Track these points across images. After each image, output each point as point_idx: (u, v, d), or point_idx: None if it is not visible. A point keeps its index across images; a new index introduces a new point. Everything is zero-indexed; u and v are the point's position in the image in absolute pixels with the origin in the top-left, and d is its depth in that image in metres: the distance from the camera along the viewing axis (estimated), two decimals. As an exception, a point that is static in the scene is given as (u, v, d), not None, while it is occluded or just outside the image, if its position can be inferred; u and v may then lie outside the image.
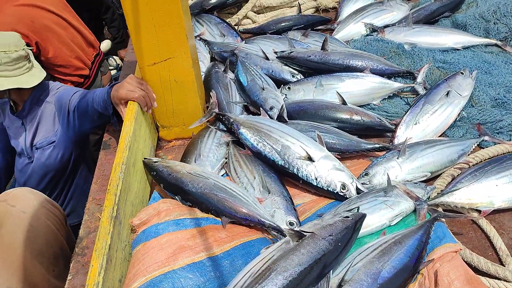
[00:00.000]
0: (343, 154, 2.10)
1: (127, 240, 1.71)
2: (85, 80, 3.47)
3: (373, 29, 2.93)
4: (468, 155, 2.07)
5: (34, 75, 2.46)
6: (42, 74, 2.51)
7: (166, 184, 1.93)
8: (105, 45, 5.25)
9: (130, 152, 1.85)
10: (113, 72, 4.97)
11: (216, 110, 2.28)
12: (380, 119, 2.24)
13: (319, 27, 3.16)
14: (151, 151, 2.25)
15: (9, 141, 2.70)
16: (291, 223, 1.78)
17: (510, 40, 2.68)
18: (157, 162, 1.99)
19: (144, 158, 2.04)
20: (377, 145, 2.11)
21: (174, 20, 1.98)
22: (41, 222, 2.01)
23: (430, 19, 2.99)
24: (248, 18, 3.32)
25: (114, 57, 5.33)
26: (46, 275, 1.99)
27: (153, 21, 1.98)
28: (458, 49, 2.70)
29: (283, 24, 3.10)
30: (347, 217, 1.64)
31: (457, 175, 1.98)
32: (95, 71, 3.58)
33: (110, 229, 1.53)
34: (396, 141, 2.16)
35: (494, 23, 2.74)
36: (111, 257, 1.50)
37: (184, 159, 2.13)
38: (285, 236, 1.71)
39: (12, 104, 2.53)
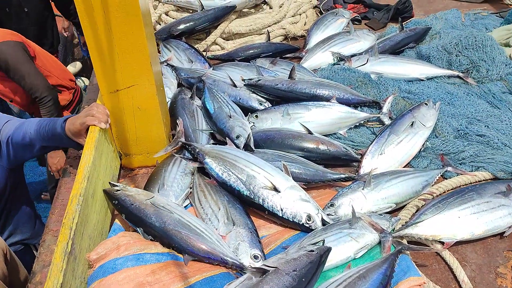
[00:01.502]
0: (309, 184, 2.08)
1: (82, 277, 1.62)
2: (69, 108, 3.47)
3: (341, 58, 2.97)
4: (432, 185, 2.09)
5: None
6: None
7: (128, 215, 1.86)
8: (75, 67, 5.17)
9: (88, 183, 1.77)
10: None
11: (182, 139, 2.24)
12: (346, 149, 2.24)
13: (288, 55, 3.18)
14: (113, 180, 2.17)
15: None
16: (255, 256, 1.74)
17: (472, 72, 2.75)
18: (119, 190, 1.92)
19: (106, 188, 1.97)
20: (342, 175, 2.10)
21: (138, 47, 1.95)
22: None
23: (396, 50, 3.06)
24: (216, 44, 3.32)
25: (83, 78, 5.26)
26: None
27: (116, 48, 1.94)
28: (422, 80, 2.76)
29: (251, 51, 3.11)
30: (312, 250, 1.61)
31: (421, 206, 1.99)
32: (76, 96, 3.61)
33: (63, 266, 1.45)
34: (361, 171, 2.17)
35: (456, 55, 2.82)
36: (63, 297, 1.41)
37: (147, 188, 2.07)
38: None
39: None
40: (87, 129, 1.99)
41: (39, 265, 1.89)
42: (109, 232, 1.93)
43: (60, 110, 3.42)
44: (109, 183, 2.01)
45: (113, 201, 1.91)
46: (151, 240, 1.77)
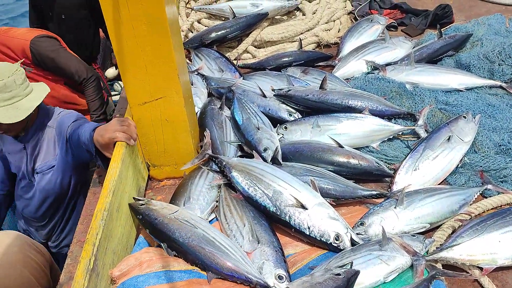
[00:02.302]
0: (338, 201, 2.01)
1: (105, 293, 1.61)
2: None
3: (375, 67, 2.87)
4: (470, 205, 1.97)
5: (41, 90, 2.47)
6: (45, 88, 2.50)
7: (152, 230, 1.85)
8: (111, 72, 5.27)
9: (114, 197, 1.77)
10: (116, 97, 4.96)
11: (209, 151, 2.21)
12: (378, 164, 2.16)
13: (320, 63, 3.11)
14: (140, 192, 2.17)
15: (9, 168, 2.69)
16: (280, 277, 1.68)
17: (516, 83, 2.60)
18: (143, 204, 1.91)
19: (131, 202, 1.96)
20: (374, 192, 2.01)
21: (165, 59, 1.93)
22: (15, 270, 1.91)
23: (433, 58, 2.93)
24: (248, 52, 3.28)
25: (120, 82, 5.35)
26: None
27: (143, 60, 1.93)
28: (461, 90, 2.63)
29: (283, 59, 3.06)
30: (339, 274, 1.54)
31: (458, 227, 1.88)
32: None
33: (85, 284, 1.44)
34: (394, 188, 2.07)
35: (499, 64, 2.67)
36: (84, 315, 1.40)
37: (173, 201, 2.05)
38: (272, 293, 1.62)
39: None
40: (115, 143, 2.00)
41: (66, 277, 1.90)
42: (134, 246, 1.92)
43: (101, 90, 3.55)
44: (133, 198, 2.00)
45: (138, 216, 1.90)
46: (175, 255, 1.75)
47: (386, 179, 2.17)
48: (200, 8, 3.50)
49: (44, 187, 2.57)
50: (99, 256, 1.57)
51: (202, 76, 2.88)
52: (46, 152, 2.54)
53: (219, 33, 3.19)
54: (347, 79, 2.86)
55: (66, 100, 3.53)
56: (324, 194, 1.97)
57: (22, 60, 2.80)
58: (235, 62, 3.09)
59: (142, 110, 2.09)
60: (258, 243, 1.80)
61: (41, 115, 2.54)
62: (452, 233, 1.87)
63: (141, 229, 2.01)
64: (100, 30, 4.48)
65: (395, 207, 1.90)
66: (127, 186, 1.97)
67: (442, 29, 3.13)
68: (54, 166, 2.54)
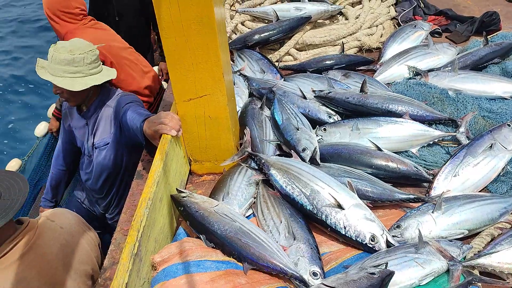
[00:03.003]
0: (375, 203, 2.02)
1: (146, 278, 1.69)
2: (149, 108, 3.67)
3: (417, 73, 2.86)
4: (511, 214, 1.94)
5: (107, 75, 2.69)
6: (112, 74, 2.72)
7: (192, 221, 1.92)
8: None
9: (158, 188, 1.85)
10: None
11: (249, 149, 2.27)
12: (417, 168, 2.15)
13: (361, 68, 3.12)
14: (181, 185, 2.25)
15: (75, 143, 2.95)
16: (314, 273, 1.71)
17: None
18: (185, 197, 1.99)
19: (173, 193, 2.04)
20: (411, 196, 2.02)
21: (211, 59, 2.01)
22: (76, 239, 2.09)
23: (478, 65, 2.87)
24: (289, 55, 3.33)
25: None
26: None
27: (191, 59, 2.01)
28: (506, 99, 2.57)
29: (324, 62, 3.08)
30: (373, 273, 1.56)
31: (497, 235, 1.86)
32: (158, 102, 3.81)
33: (129, 267, 1.52)
34: (432, 193, 2.06)
35: (547, 73, 2.60)
36: (127, 296, 1.48)
37: (212, 195, 2.12)
38: (307, 287, 1.65)
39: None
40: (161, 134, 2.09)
41: (109, 262, 2.01)
42: (173, 236, 2.00)
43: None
44: (176, 189, 2.08)
45: (179, 207, 1.97)
46: (212, 247, 1.81)
47: (424, 184, 2.16)
48: (244, 11, 3.58)
49: (100, 162, 2.79)
50: (143, 242, 1.66)
51: (244, 76, 2.95)
52: (103, 129, 2.75)
53: (262, 35, 3.26)
54: (389, 83, 2.85)
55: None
56: (361, 195, 1.99)
57: (104, 44, 2.96)
58: (276, 64, 3.14)
59: (186, 107, 2.17)
60: (294, 239, 1.84)
61: (102, 94, 2.75)
62: (491, 241, 1.85)
63: (180, 221, 2.08)
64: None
65: (432, 212, 1.89)
66: (170, 178, 2.06)
67: (488, 36, 3.07)
68: (109, 143, 2.75)
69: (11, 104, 7.15)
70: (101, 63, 2.72)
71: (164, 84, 4.48)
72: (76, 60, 2.53)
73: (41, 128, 5.10)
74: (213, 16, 1.89)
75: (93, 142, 2.79)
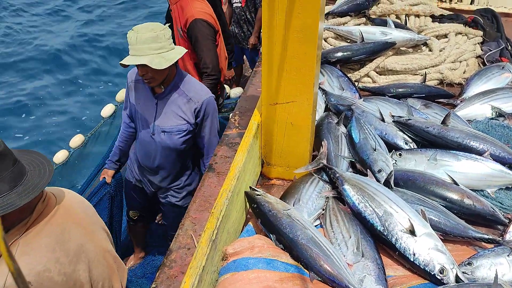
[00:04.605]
0: (446, 236, 1.99)
1: (216, 266, 1.75)
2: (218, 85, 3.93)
3: (500, 114, 2.80)
4: None
5: (179, 52, 2.80)
6: (183, 50, 2.83)
7: (264, 220, 1.96)
8: (237, 91, 5.41)
9: (237, 181, 1.92)
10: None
11: (324, 161, 2.30)
12: (493, 209, 2.11)
13: (440, 100, 3.09)
14: (253, 184, 2.31)
15: (134, 115, 3.06)
16: (379, 294, 1.72)
17: None
18: (259, 195, 2.04)
19: (247, 190, 2.10)
20: (485, 236, 1.97)
21: (306, 68, 2.06)
22: (84, 201, 2.19)
23: None
24: (369, 76, 3.34)
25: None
26: (110, 246, 2.16)
27: (286, 65, 2.07)
28: None
29: (403, 89, 3.08)
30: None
31: None
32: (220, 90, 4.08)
33: (207, 251, 1.58)
34: (507, 237, 2.01)
35: None
36: (202, 278, 1.54)
37: (283, 199, 2.16)
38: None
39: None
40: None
41: (176, 245, 2.08)
42: (241, 232, 2.06)
43: (216, 90, 3.86)
44: (250, 187, 2.14)
45: (252, 205, 2.03)
46: (281, 249, 1.85)
47: (498, 226, 2.11)
48: (329, 28, 3.63)
49: (169, 146, 2.92)
50: (219, 231, 1.72)
51: (323, 91, 2.99)
52: (175, 115, 2.86)
53: (345, 53, 3.30)
54: (469, 120, 2.81)
55: None
56: (433, 226, 1.96)
57: (169, 24, 3.13)
58: (356, 83, 3.16)
59: (271, 110, 2.24)
60: (362, 256, 1.84)
61: (177, 77, 2.86)
62: None
63: (249, 218, 2.14)
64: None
65: (508, 255, 1.85)
66: (247, 176, 2.12)
67: None
68: (183, 131, 2.88)
69: (84, 86, 7.58)
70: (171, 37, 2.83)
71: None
72: (159, 36, 2.66)
73: (107, 110, 5.38)
74: (317, 28, 1.95)
75: (160, 125, 2.88)
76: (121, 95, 5.24)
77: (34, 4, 10.36)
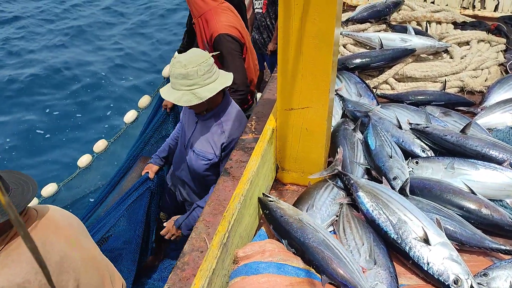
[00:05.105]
0: (462, 246, 1.96)
1: (227, 269, 1.76)
2: (245, 105, 3.87)
3: (522, 123, 2.74)
4: None
5: (221, 83, 2.78)
6: (226, 81, 2.81)
7: (276, 226, 1.97)
8: None
9: (250, 186, 1.93)
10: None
11: (339, 168, 2.29)
12: (511, 220, 2.06)
13: (460, 108, 3.04)
14: (267, 189, 2.32)
15: (180, 130, 3.15)
16: (391, 302, 1.69)
17: None
18: (272, 201, 2.04)
19: (260, 196, 2.11)
20: (503, 247, 1.93)
21: (322, 73, 2.06)
22: (67, 213, 2.27)
23: None
24: (387, 83, 3.31)
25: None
26: (101, 254, 2.26)
27: (302, 70, 2.08)
28: None
29: (422, 97, 3.04)
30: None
31: None
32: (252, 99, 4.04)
33: (218, 254, 1.59)
34: (526, 249, 1.96)
35: None
36: (212, 281, 1.55)
37: (297, 205, 2.16)
38: (383, 314, 1.64)
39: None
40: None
41: (189, 248, 2.09)
42: (253, 237, 2.06)
43: (245, 103, 3.85)
44: (263, 194, 2.14)
45: (265, 210, 2.03)
46: (293, 253, 1.84)
47: (517, 237, 2.06)
48: (348, 34, 3.62)
49: (193, 166, 2.95)
50: (231, 234, 1.73)
51: (340, 97, 2.98)
52: (205, 141, 2.88)
53: (364, 60, 3.28)
54: (489, 129, 2.76)
55: None
56: (448, 236, 1.93)
57: (211, 51, 3.12)
58: (374, 90, 3.14)
59: (286, 115, 2.24)
60: (375, 264, 1.83)
61: (221, 105, 2.88)
62: None
63: (262, 223, 2.14)
64: None
65: (525, 267, 1.81)
66: (260, 181, 2.12)
67: None
68: (207, 159, 2.89)
69: (110, 91, 7.75)
70: (216, 70, 2.79)
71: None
72: (190, 74, 2.64)
73: (129, 116, 5.47)
74: (333, 34, 1.95)
75: (192, 145, 2.93)
76: (143, 101, 5.33)
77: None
